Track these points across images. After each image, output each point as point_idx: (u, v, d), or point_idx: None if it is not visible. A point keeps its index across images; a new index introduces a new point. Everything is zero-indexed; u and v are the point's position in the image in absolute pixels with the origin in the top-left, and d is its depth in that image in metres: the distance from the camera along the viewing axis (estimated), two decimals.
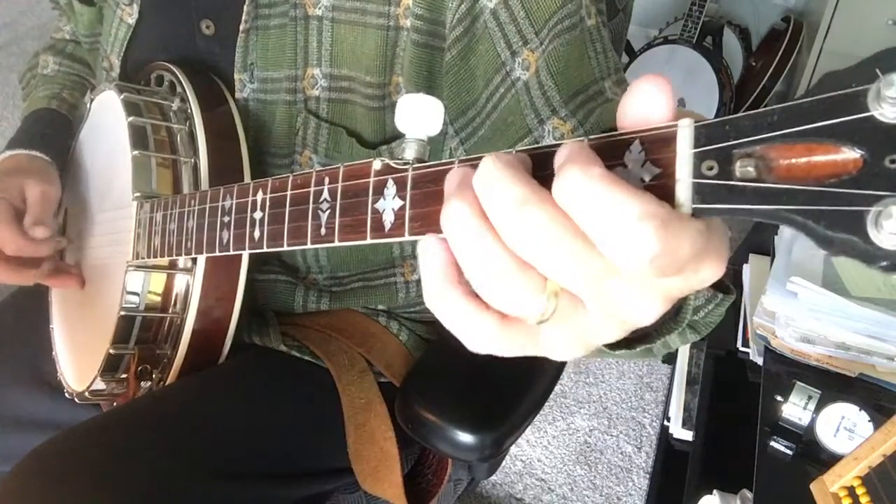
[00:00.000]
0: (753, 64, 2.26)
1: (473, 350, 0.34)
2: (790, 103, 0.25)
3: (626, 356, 0.46)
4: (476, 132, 0.69)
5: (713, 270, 0.29)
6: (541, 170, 0.32)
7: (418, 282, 0.85)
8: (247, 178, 0.74)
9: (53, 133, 0.92)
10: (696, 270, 0.29)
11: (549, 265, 0.30)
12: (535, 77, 0.64)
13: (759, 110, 0.26)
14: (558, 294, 0.31)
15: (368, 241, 0.39)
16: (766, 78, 2.18)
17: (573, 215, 0.28)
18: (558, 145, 0.31)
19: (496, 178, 0.30)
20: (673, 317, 0.45)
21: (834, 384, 1.08)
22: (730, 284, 0.48)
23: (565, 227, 0.29)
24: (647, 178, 0.28)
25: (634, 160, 0.29)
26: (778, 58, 2.17)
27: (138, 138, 0.74)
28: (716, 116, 0.27)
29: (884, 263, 0.23)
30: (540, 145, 0.32)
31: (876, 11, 1.82)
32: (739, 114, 0.26)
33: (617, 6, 0.92)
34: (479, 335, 0.33)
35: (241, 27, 0.73)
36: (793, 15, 2.28)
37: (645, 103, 0.29)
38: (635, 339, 0.45)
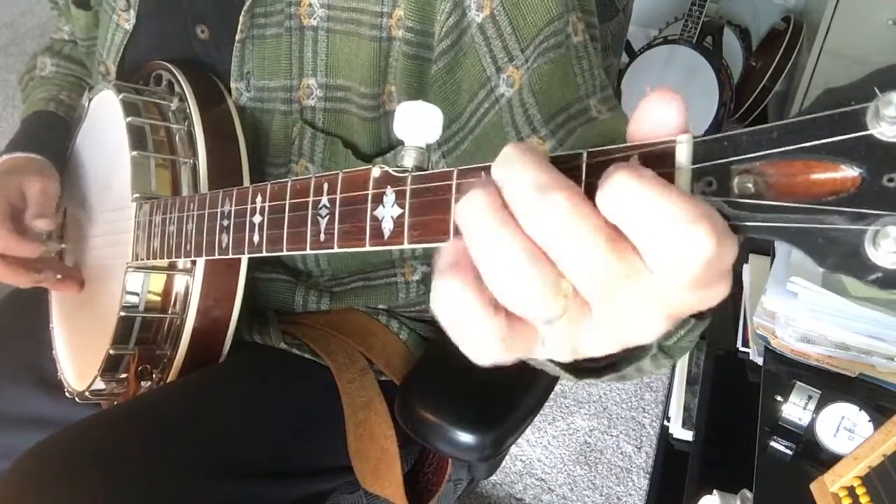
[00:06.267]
0: (753, 64, 2.25)
1: (474, 359, 0.32)
2: (789, 120, 0.25)
3: (598, 381, 0.46)
4: (459, 146, 0.69)
5: (723, 288, 0.29)
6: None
7: (419, 282, 0.85)
8: (246, 179, 0.74)
9: (51, 136, 0.92)
10: (710, 287, 0.28)
11: (566, 257, 0.29)
12: (518, 95, 0.64)
13: (759, 127, 0.25)
14: (569, 296, 0.30)
15: (367, 248, 0.39)
16: (766, 78, 2.18)
17: (620, 220, 0.28)
18: (555, 157, 0.31)
19: (519, 160, 0.29)
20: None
21: (834, 384, 1.07)
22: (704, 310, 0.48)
23: (588, 218, 0.28)
24: None
25: None
26: (778, 58, 2.16)
27: (137, 139, 0.74)
28: (716, 116, 0.27)
29: (881, 281, 0.23)
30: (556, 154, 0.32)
31: (876, 11, 1.81)
32: (738, 130, 0.26)
33: (617, 6, 0.92)
34: (486, 341, 0.32)
35: (238, 37, 0.73)
36: (793, 15, 2.27)
37: (655, 121, 0.29)
38: (604, 368, 0.46)
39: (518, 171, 0.29)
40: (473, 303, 0.31)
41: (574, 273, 0.29)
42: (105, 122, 0.82)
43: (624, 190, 0.27)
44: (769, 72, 2.18)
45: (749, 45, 2.32)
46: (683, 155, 0.27)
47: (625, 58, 2.20)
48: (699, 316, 0.47)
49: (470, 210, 0.31)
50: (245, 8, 0.72)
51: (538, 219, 0.29)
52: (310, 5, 0.70)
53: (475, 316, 0.31)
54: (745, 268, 1.42)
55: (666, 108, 0.28)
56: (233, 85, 0.76)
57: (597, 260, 0.28)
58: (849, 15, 1.86)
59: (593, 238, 0.28)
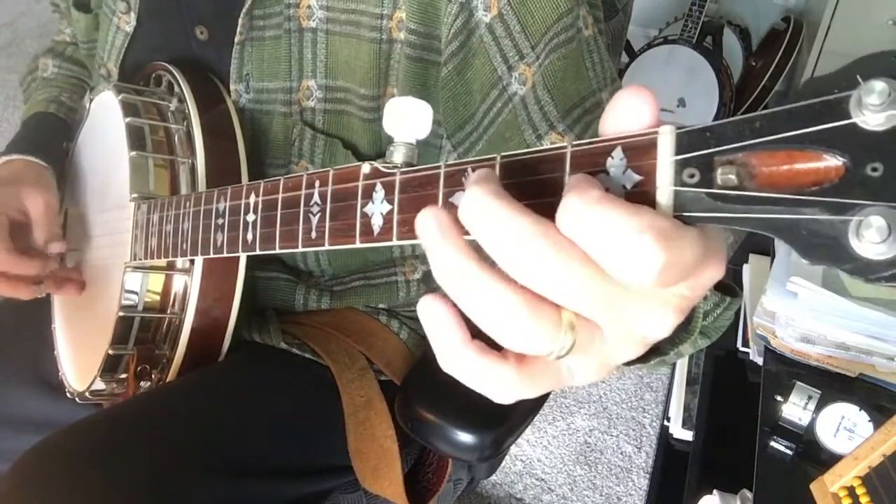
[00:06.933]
0: (753, 64, 2.25)
1: (500, 402, 0.32)
2: (772, 110, 0.25)
3: (643, 368, 0.46)
4: (474, 147, 0.69)
5: (714, 273, 0.29)
6: (521, 176, 0.32)
7: (419, 281, 0.85)
8: (244, 179, 0.74)
9: (52, 137, 0.92)
10: (699, 276, 0.28)
11: (562, 294, 0.28)
12: (531, 92, 0.63)
13: (742, 117, 0.25)
14: (575, 325, 0.29)
15: (358, 244, 0.39)
16: (766, 78, 2.17)
17: (579, 242, 0.27)
18: (540, 151, 0.31)
19: (492, 213, 0.28)
20: (684, 327, 0.44)
21: (834, 384, 1.07)
22: (735, 287, 0.48)
23: (572, 253, 0.27)
24: (628, 186, 0.28)
25: (616, 167, 0.28)
26: (778, 58, 2.16)
27: (136, 139, 0.74)
28: (716, 116, 0.27)
29: (865, 273, 0.23)
30: (521, 151, 0.32)
31: (876, 11, 1.81)
32: (721, 120, 0.26)
33: (616, 6, 0.92)
34: (504, 387, 0.31)
35: (237, 39, 0.73)
36: (793, 15, 2.27)
37: (627, 116, 0.29)
38: (649, 353, 0.44)
39: (494, 223, 0.28)
40: (473, 356, 0.30)
41: (572, 303, 0.29)
42: (105, 123, 0.82)
43: (571, 213, 0.27)
44: (769, 72, 2.17)
45: (749, 45, 2.32)
46: (665, 146, 0.27)
47: (625, 58, 2.20)
48: (731, 292, 0.47)
49: (447, 270, 0.30)
50: (244, 10, 0.72)
51: (523, 265, 0.28)
52: (309, 7, 0.70)
53: (480, 368, 0.31)
54: (745, 268, 1.42)
55: (639, 102, 0.29)
56: (232, 87, 0.76)
57: (589, 288, 0.28)
58: (849, 15, 1.85)
59: (585, 270, 0.28)
